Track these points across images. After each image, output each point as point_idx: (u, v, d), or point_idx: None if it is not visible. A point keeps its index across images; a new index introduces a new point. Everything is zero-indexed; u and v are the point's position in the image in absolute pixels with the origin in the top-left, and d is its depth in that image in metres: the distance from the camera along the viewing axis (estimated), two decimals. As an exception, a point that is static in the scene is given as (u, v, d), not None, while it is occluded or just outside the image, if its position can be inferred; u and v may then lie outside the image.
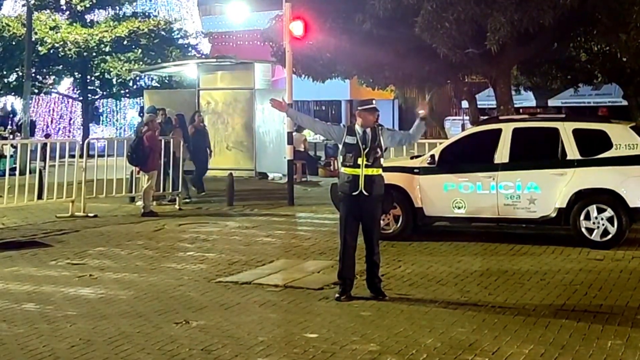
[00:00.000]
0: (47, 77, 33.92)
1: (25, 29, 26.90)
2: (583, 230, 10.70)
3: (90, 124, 35.84)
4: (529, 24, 13.38)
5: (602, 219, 10.61)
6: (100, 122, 38.06)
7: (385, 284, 8.41)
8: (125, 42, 32.07)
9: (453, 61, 15.14)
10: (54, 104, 38.01)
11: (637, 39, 13.78)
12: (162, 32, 32.84)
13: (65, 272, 9.48)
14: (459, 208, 11.24)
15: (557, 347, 6.39)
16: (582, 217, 10.68)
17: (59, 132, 37.18)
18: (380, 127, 8.16)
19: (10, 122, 37.04)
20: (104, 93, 34.68)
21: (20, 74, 30.06)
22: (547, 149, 11.16)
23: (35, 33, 29.71)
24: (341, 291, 8.03)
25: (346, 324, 7.09)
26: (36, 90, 32.64)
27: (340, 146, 8.13)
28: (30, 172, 14.18)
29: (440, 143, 12.40)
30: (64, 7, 34.13)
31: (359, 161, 7.94)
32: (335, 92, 40.03)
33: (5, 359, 6.25)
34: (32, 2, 29.28)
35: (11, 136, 30.11)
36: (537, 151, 11.29)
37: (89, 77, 33.89)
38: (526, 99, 30.57)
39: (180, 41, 34.21)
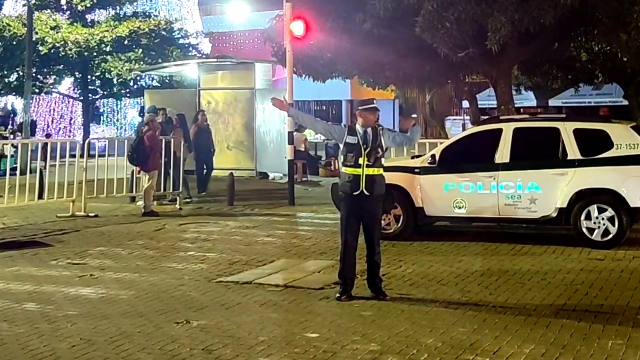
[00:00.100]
0: (47, 76, 33.94)
1: (25, 28, 26.90)
2: (584, 230, 10.70)
3: (91, 124, 35.87)
4: (529, 23, 13.38)
5: (602, 218, 10.61)
6: (101, 122, 38.10)
7: (386, 283, 8.41)
8: (125, 42, 32.09)
9: (454, 61, 15.14)
10: (55, 103, 38.04)
11: (637, 39, 13.77)
12: (163, 32, 32.85)
13: (66, 271, 9.48)
14: (459, 208, 11.24)
15: (558, 347, 6.39)
16: (582, 217, 10.68)
17: (59, 132, 37.20)
18: (381, 128, 8.16)
19: (10, 121, 37.07)
20: (105, 93, 34.70)
21: (21, 73, 30.09)
22: (547, 149, 11.15)
23: (36, 33, 29.72)
24: (342, 291, 8.03)
25: (347, 324, 7.09)
26: (37, 90, 32.66)
27: (341, 146, 8.13)
28: (30, 172, 14.18)
29: (441, 143, 12.40)
30: (65, 7, 34.15)
31: (360, 161, 7.94)
32: (335, 92, 40.06)
33: (6, 358, 6.25)
34: (33, 2, 29.29)
35: (12, 136, 30.13)
36: (537, 151, 11.29)
37: (89, 76, 33.92)
38: (527, 98, 30.59)
39: (181, 41, 34.23)
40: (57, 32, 32.00)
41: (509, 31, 13.41)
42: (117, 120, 38.36)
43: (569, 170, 10.83)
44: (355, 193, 7.96)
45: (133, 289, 8.51)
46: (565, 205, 10.76)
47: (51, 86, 34.62)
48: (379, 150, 8.01)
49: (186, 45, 34.28)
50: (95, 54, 32.12)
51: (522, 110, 21.83)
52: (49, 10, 33.74)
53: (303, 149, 21.34)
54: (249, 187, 18.66)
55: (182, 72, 26.54)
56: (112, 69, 32.09)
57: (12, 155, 19.96)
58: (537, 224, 11.31)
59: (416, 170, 11.49)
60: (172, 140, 15.51)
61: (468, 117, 25.39)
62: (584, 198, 10.72)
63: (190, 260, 10.16)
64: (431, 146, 13.57)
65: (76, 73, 34.00)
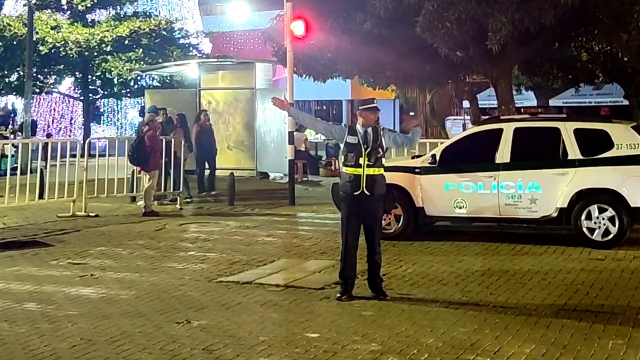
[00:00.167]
0: (48, 76, 33.96)
1: (26, 28, 26.92)
2: (584, 230, 10.70)
3: (91, 124, 35.89)
4: (530, 23, 13.38)
5: (603, 218, 10.60)
6: (101, 122, 38.11)
7: (387, 283, 8.41)
8: (126, 42, 32.11)
9: (454, 61, 15.15)
10: (55, 103, 38.05)
11: (638, 39, 13.78)
12: (163, 32, 32.87)
13: (67, 271, 9.49)
14: (460, 208, 11.24)
15: (559, 347, 6.39)
16: (583, 217, 10.67)
17: (60, 132, 37.20)
18: (381, 128, 8.15)
19: (11, 121, 37.07)
20: (105, 93, 34.72)
21: (22, 73, 30.12)
22: (548, 149, 11.15)
23: (37, 33, 29.74)
24: (342, 291, 8.03)
25: (347, 324, 7.09)
26: (37, 90, 32.69)
27: (342, 146, 8.12)
28: (31, 172, 14.19)
29: (442, 143, 12.40)
30: (65, 7, 34.17)
31: (361, 161, 7.94)
32: (336, 91, 40.06)
33: (6, 358, 6.25)
34: (34, 1, 29.31)
35: (12, 136, 30.12)
36: (538, 151, 11.29)
37: (90, 76, 33.94)
38: (527, 98, 30.59)
39: (181, 41, 34.25)
40: (57, 32, 32.02)
41: (510, 31, 13.41)
42: (118, 120, 38.38)
43: (569, 170, 10.83)
44: (355, 193, 7.95)
45: (134, 289, 8.51)
46: (565, 205, 10.75)
47: (52, 86, 34.64)
48: (380, 150, 8.01)
49: (187, 45, 34.29)
50: (95, 53, 32.14)
51: (522, 110, 21.80)
52: (49, 10, 33.76)
53: (303, 149, 21.34)
54: (250, 187, 18.66)
55: (183, 72, 26.55)
56: (112, 68, 32.11)
57: (12, 155, 19.97)
58: (538, 224, 11.30)
59: (417, 170, 11.49)
60: (173, 140, 15.51)
61: (468, 117, 25.39)
62: (584, 198, 10.72)
63: (191, 260, 10.17)
64: (432, 146, 13.57)
65: (77, 73, 34.02)
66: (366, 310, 7.57)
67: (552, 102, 33.73)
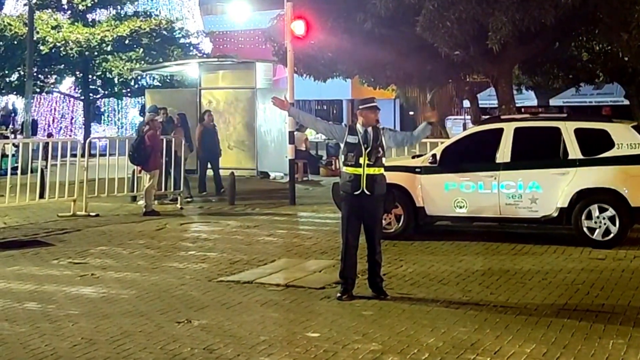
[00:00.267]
0: (48, 76, 33.97)
1: (27, 28, 26.93)
2: (585, 229, 10.69)
3: (92, 123, 35.90)
4: (530, 23, 13.39)
5: (603, 218, 10.60)
6: (102, 122, 38.13)
7: (387, 283, 8.41)
8: (126, 42, 32.13)
9: (454, 60, 15.17)
10: (56, 103, 38.07)
11: (638, 38, 13.78)
12: (164, 32, 32.89)
13: (67, 271, 9.49)
14: (460, 207, 11.24)
15: (559, 347, 6.39)
16: (583, 217, 10.67)
17: (60, 132, 37.23)
18: (382, 127, 8.15)
19: (12, 121, 37.07)
20: (106, 92, 34.74)
21: (22, 73, 30.12)
22: (548, 149, 11.15)
23: (37, 32, 29.74)
24: (343, 290, 8.03)
25: (348, 323, 7.09)
26: (38, 90, 32.69)
27: (342, 145, 8.11)
28: (32, 172, 14.21)
29: (442, 142, 12.40)
30: (66, 7, 34.19)
31: (361, 160, 7.93)
32: (336, 91, 40.10)
33: (7, 358, 6.25)
34: (34, 1, 29.31)
35: (13, 135, 30.12)
36: (538, 151, 11.28)
37: (90, 76, 33.95)
38: (528, 98, 30.61)
39: (182, 40, 34.27)
40: (58, 32, 32.03)
41: (510, 30, 13.42)
42: (118, 120, 38.40)
43: (570, 170, 10.83)
44: (356, 193, 7.95)
45: (134, 289, 8.51)
46: (566, 205, 10.75)
47: (52, 86, 34.65)
48: (380, 149, 8.00)
49: (187, 45, 34.30)
50: (96, 53, 32.15)
51: (523, 109, 21.85)
52: (50, 10, 33.78)
53: (304, 149, 21.35)
54: (250, 187, 18.66)
55: (183, 71, 26.57)
56: (113, 68, 32.11)
57: (13, 155, 19.97)
58: (538, 223, 11.29)
59: (417, 169, 11.48)
60: (173, 139, 15.51)
61: (469, 117, 25.41)
62: (584, 198, 10.71)
63: (191, 259, 10.17)
64: (432, 146, 13.57)
65: (77, 72, 34.03)
66: (366, 310, 7.57)
67: (553, 102, 33.74)
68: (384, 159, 8.13)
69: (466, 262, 9.82)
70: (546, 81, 20.11)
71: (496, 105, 17.60)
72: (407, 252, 10.45)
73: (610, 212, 10.56)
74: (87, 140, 15.45)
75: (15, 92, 33.90)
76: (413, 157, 12.30)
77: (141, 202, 14.78)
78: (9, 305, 7.84)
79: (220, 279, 8.96)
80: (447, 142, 12.05)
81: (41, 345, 6.51)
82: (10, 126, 33.94)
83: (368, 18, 14.65)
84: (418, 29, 13.99)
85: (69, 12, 34.16)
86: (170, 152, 15.34)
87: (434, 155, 11.43)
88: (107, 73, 32.41)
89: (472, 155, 11.46)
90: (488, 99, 26.73)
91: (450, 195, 11.27)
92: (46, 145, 21.60)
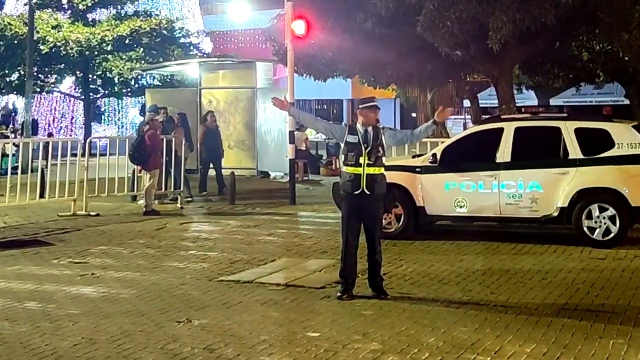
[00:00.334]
0: (49, 76, 33.98)
1: (27, 27, 26.92)
2: (585, 229, 10.69)
3: (92, 123, 35.89)
4: (530, 23, 13.39)
5: (604, 218, 10.59)
6: (102, 121, 38.12)
7: (387, 282, 8.41)
8: (127, 41, 32.14)
9: (455, 60, 15.18)
10: (56, 102, 38.06)
11: (639, 38, 13.78)
12: (164, 31, 32.90)
13: (68, 270, 9.49)
14: (460, 207, 11.23)
15: (560, 346, 6.39)
16: (584, 216, 10.67)
17: (60, 131, 37.22)
18: (382, 127, 8.15)
19: (12, 120, 37.06)
20: (106, 92, 34.74)
21: (22, 72, 30.12)
22: (549, 148, 11.14)
23: (37, 32, 29.75)
24: (343, 290, 8.02)
25: (348, 323, 7.09)
26: (38, 89, 32.70)
27: (342, 145, 8.11)
28: (32, 171, 14.23)
29: (442, 142, 12.40)
30: (66, 6, 34.21)
31: (361, 160, 7.92)
32: (336, 91, 40.12)
33: (7, 357, 6.25)
34: (34, 1, 29.30)
35: (13, 135, 30.12)
36: (539, 150, 11.28)
37: (90, 76, 33.96)
38: (528, 98, 30.63)
39: (182, 40, 34.28)
40: (58, 31, 32.04)
41: (510, 30, 13.43)
42: (119, 120, 38.39)
43: (570, 170, 10.82)
44: (356, 192, 7.95)
45: (134, 288, 8.51)
46: (566, 205, 10.74)
47: (52, 85, 34.65)
48: (380, 149, 7.99)
49: (187, 45, 34.31)
50: (96, 53, 32.16)
51: (523, 109, 21.86)
52: (50, 10, 33.80)
53: (304, 148, 21.35)
54: (250, 187, 18.66)
55: (183, 71, 26.57)
56: (113, 68, 32.12)
57: (13, 154, 19.96)
58: (539, 223, 11.29)
59: (417, 169, 11.48)
60: (173, 139, 15.51)
61: (469, 117, 25.41)
62: (585, 197, 10.71)
63: (192, 259, 10.17)
64: (432, 145, 13.57)
65: (77, 72, 34.04)
66: (367, 310, 7.56)
67: (553, 102, 33.76)
68: (384, 159, 8.13)
69: (466, 261, 9.82)
70: (546, 81, 20.12)
71: (496, 105, 17.60)
72: (407, 252, 10.45)
73: (611, 211, 10.56)
74: (88, 140, 15.45)
75: (15, 92, 33.90)
76: (413, 157, 12.30)
77: (141, 202, 14.78)
78: (9, 304, 7.83)
79: (221, 279, 8.95)
80: (448, 141, 12.05)
81: (41, 345, 6.51)
82: (11, 126, 33.93)
83: (368, 18, 14.65)
84: (418, 28, 13.99)
85: (69, 11, 34.17)
86: (170, 152, 15.34)
87: (434, 155, 11.42)
88: (108, 73, 32.42)
89: (473, 154, 11.46)
90: (488, 98, 26.77)
91: (451, 194, 11.26)
92: (46, 144, 21.58)
